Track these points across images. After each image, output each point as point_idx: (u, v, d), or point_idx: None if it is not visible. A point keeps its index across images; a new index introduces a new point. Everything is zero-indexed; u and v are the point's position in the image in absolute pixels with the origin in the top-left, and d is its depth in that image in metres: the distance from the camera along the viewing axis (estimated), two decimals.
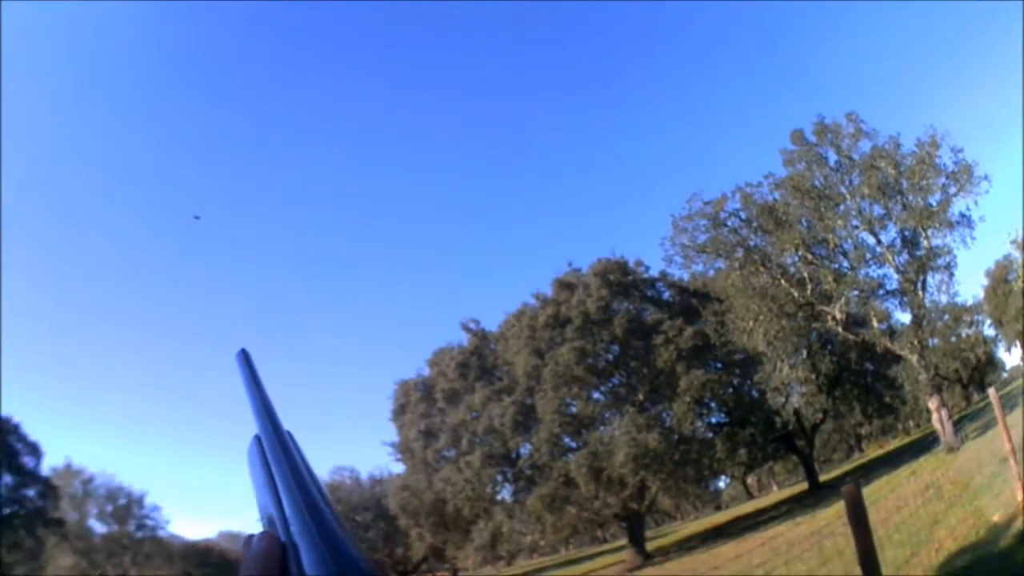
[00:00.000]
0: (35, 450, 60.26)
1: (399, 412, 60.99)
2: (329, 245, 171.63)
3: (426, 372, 60.55)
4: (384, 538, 78.13)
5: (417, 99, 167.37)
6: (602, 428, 49.82)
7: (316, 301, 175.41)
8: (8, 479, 58.64)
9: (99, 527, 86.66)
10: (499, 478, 54.08)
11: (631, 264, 53.03)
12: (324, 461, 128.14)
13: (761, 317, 44.94)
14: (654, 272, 54.40)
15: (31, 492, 60.32)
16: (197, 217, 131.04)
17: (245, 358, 1.83)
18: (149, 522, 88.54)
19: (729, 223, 48.09)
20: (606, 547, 75.48)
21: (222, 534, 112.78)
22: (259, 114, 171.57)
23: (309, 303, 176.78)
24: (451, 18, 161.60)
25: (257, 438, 1.53)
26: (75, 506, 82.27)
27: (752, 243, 47.49)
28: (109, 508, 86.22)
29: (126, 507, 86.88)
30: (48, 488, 61.33)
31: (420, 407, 58.59)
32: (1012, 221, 72.48)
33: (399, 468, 66.62)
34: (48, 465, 65.37)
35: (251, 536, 1.21)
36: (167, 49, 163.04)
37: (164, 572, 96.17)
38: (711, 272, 50.37)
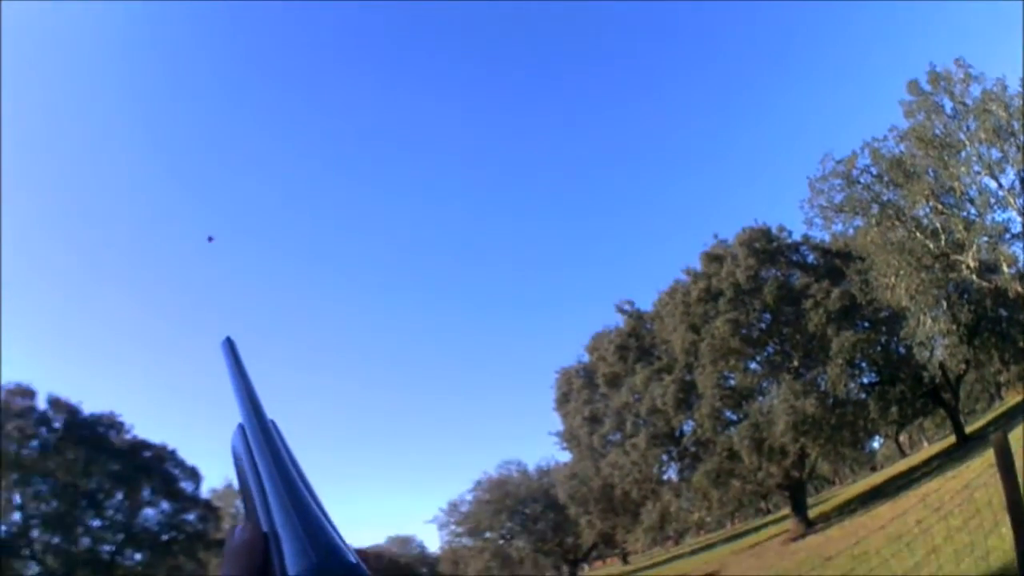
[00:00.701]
0: (194, 474, 61.66)
1: (562, 400, 61.37)
2: (486, 241, 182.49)
3: (586, 358, 60.67)
4: (553, 528, 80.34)
5: (562, 93, 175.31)
6: (761, 398, 49.11)
7: (476, 298, 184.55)
8: (166, 506, 60.40)
9: None
10: (664, 458, 54.07)
11: (774, 230, 52.58)
12: (491, 457, 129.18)
13: (901, 272, 44.33)
14: (796, 236, 53.93)
15: (191, 516, 61.51)
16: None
17: (230, 346, 1.85)
18: None
19: (862, 180, 47.86)
20: (769, 518, 74.22)
21: (391, 539, 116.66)
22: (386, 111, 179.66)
23: (470, 301, 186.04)
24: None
25: (241, 427, 1.56)
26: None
27: (885, 198, 47.01)
28: None
29: None
30: (208, 510, 62.49)
31: (583, 394, 58.67)
32: None
33: (566, 457, 67.22)
34: (208, 487, 66.88)
35: (234, 527, 1.25)
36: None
37: None
38: (850, 231, 49.89)
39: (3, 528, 56.45)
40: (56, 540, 56.95)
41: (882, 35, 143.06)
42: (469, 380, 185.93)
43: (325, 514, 1.18)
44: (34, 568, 58.36)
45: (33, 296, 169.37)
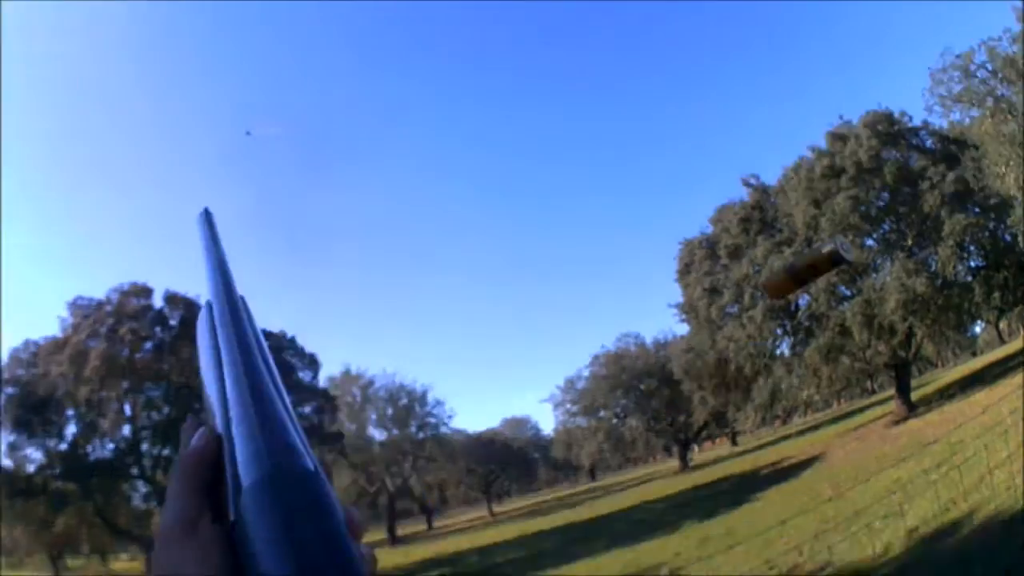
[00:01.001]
0: (313, 362, 61.38)
1: (684, 272, 60.74)
2: (621, 116, 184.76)
3: (709, 230, 60.50)
4: (667, 404, 79.36)
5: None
6: (874, 275, 50.12)
7: (600, 170, 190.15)
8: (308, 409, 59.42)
9: (378, 435, 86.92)
10: (779, 331, 54.29)
11: (896, 115, 52.75)
12: (610, 329, 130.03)
13: (1011, 162, 44.39)
14: (917, 122, 53.86)
15: (308, 408, 60.59)
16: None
17: (207, 218, 1.67)
18: (431, 420, 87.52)
19: (978, 75, 47.92)
20: (874, 399, 73.64)
21: (505, 421, 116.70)
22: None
23: (594, 172, 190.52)
24: None
25: (208, 306, 1.37)
26: (353, 416, 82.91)
27: (1000, 93, 46.94)
28: (389, 411, 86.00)
29: (407, 407, 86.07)
30: (326, 401, 62.17)
31: (704, 265, 58.34)
32: None
33: (683, 330, 66.23)
34: (325, 375, 67.00)
35: (189, 426, 1.13)
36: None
37: (445, 473, 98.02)
38: (967, 120, 49.82)
39: (110, 445, 56.97)
40: (167, 452, 56.15)
41: None
42: (591, 252, 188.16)
43: (287, 408, 1.09)
44: (143, 488, 58.66)
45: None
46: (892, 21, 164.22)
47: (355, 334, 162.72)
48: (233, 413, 1.05)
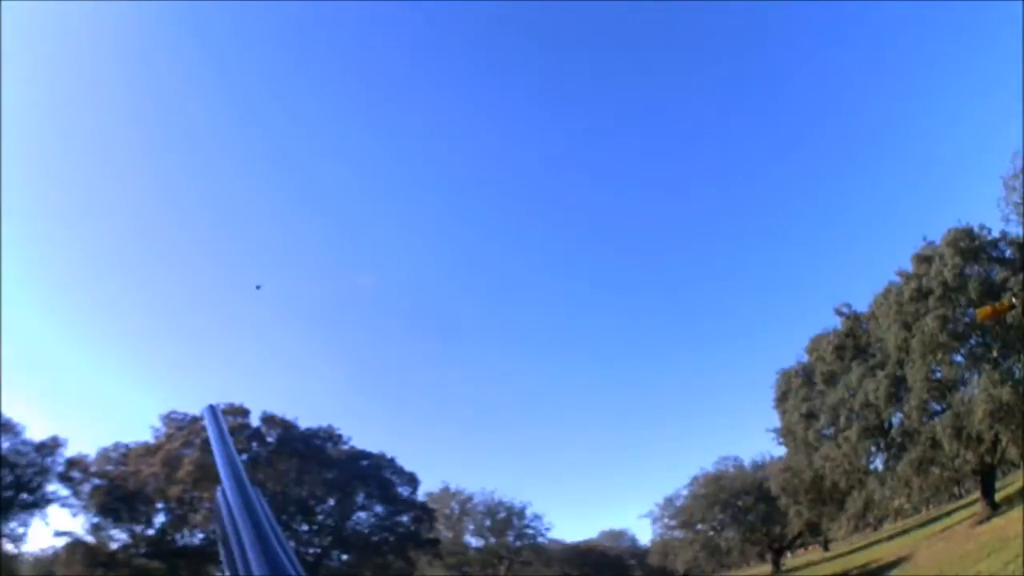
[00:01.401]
0: (412, 479, 62.26)
1: (781, 399, 63.33)
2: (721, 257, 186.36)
3: (805, 359, 62.54)
4: (762, 519, 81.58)
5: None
6: (962, 388, 50.46)
7: (702, 309, 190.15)
8: (380, 509, 60.62)
9: (475, 542, 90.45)
10: (873, 449, 55.18)
11: (975, 229, 52.60)
12: (709, 454, 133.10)
13: None
14: (995, 233, 53.55)
15: (404, 518, 62.12)
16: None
17: (212, 413, 2.13)
18: (529, 531, 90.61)
19: None
20: (961, 502, 74.17)
21: (603, 533, 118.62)
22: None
23: (699, 312, 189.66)
24: None
25: (222, 490, 1.88)
26: (450, 526, 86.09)
27: None
28: (487, 523, 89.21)
29: (505, 520, 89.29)
30: (423, 512, 62.82)
31: (801, 392, 60.40)
32: None
33: (780, 452, 69.85)
34: (424, 491, 67.77)
35: None
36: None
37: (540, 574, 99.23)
38: None
39: (200, 535, 58.95)
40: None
41: None
42: (691, 385, 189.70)
43: (294, 564, 1.73)
44: (228, 572, 61.02)
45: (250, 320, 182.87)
46: (965, 133, 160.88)
47: (465, 456, 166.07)
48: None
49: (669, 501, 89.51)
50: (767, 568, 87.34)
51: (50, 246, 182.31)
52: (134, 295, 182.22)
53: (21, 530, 56.23)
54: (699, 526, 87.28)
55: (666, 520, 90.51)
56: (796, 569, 79.12)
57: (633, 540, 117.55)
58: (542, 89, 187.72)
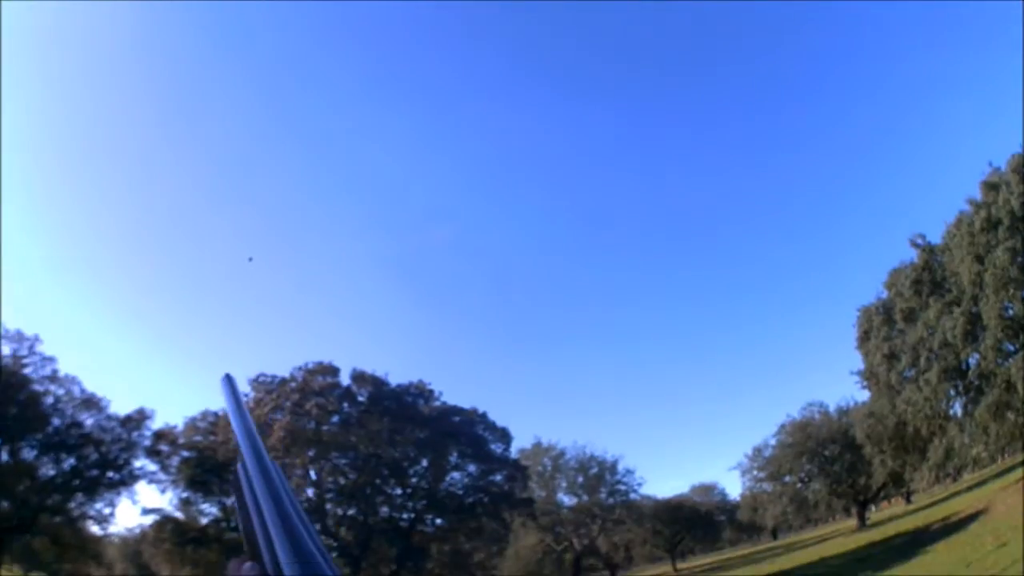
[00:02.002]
0: (504, 435, 60.57)
1: (863, 339, 60.18)
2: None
3: (884, 295, 59.53)
4: (848, 469, 79.89)
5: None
6: None
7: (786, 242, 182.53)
8: (473, 468, 59.23)
9: (568, 500, 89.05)
10: (951, 392, 52.60)
11: None
12: (795, 400, 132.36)
13: None
14: None
15: (498, 477, 60.55)
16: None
17: (229, 383, 1.99)
18: (621, 487, 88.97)
19: None
20: None
21: (694, 487, 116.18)
22: None
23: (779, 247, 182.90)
24: None
25: (243, 465, 1.78)
26: (544, 484, 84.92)
27: None
28: (580, 480, 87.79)
29: (598, 476, 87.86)
30: (516, 470, 61.29)
31: (882, 331, 57.63)
32: None
33: (865, 396, 66.66)
34: (517, 447, 66.43)
35: (236, 562, 1.45)
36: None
37: (632, 533, 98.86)
38: None
39: None
40: (352, 512, 57.96)
41: None
42: (777, 324, 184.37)
43: (323, 553, 1.56)
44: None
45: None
46: None
47: (554, 409, 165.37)
48: (279, 552, 1.47)
49: (757, 451, 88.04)
50: (853, 522, 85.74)
51: (122, 210, 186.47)
52: (215, 258, 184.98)
53: (107, 510, 55.11)
54: (787, 478, 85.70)
55: (755, 472, 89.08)
56: (880, 523, 76.20)
57: (723, 494, 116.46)
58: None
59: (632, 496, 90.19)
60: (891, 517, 79.04)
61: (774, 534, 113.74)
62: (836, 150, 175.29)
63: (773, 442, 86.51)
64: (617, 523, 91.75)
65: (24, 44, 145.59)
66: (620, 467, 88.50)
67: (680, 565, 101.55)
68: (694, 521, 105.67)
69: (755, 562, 74.84)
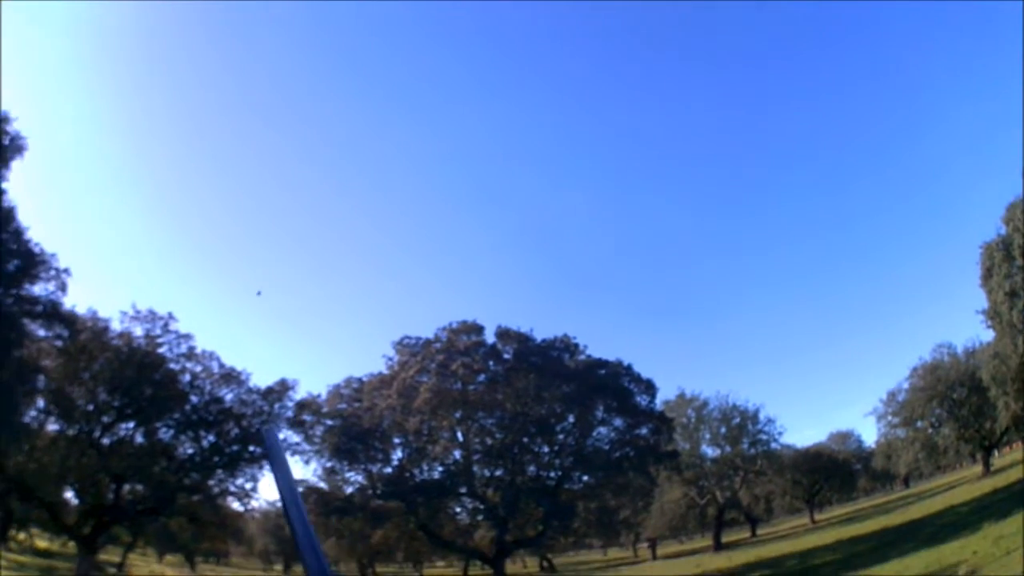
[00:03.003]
0: (649, 387, 59.14)
1: (986, 276, 57.06)
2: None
3: (1003, 230, 56.26)
4: (974, 413, 78.93)
5: None
6: None
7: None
8: (619, 422, 58.09)
9: (711, 451, 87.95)
10: None
11: None
12: (923, 342, 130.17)
13: None
14: None
15: (643, 430, 59.18)
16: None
17: (271, 436, 3.11)
18: (762, 437, 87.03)
19: None
20: None
21: (832, 435, 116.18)
22: None
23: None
24: None
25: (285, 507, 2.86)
26: (687, 436, 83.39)
27: None
28: (723, 430, 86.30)
29: (740, 426, 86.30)
30: (661, 423, 59.98)
31: (1003, 268, 54.66)
32: None
33: (991, 336, 62.70)
34: (661, 399, 65.23)
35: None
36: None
37: (772, 484, 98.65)
38: None
39: (439, 468, 57.61)
40: (499, 472, 57.34)
41: None
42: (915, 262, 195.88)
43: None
44: (469, 504, 60.76)
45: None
46: None
47: (695, 360, 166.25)
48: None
49: (891, 396, 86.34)
50: (978, 469, 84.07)
51: (258, 183, 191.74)
52: (361, 227, 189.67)
53: (249, 485, 54.53)
54: (919, 423, 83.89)
55: (889, 418, 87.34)
56: (1004, 468, 73.90)
57: (859, 441, 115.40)
58: None
59: (773, 446, 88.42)
60: (1012, 463, 76.82)
61: (906, 482, 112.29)
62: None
63: (906, 386, 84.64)
64: (758, 474, 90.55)
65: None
66: (761, 416, 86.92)
67: (817, 516, 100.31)
68: (831, 471, 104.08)
69: (887, 512, 72.64)
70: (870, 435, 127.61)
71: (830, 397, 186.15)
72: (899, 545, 41.46)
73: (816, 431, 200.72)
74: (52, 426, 51.23)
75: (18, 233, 37.70)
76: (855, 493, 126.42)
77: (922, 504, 68.23)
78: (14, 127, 36.32)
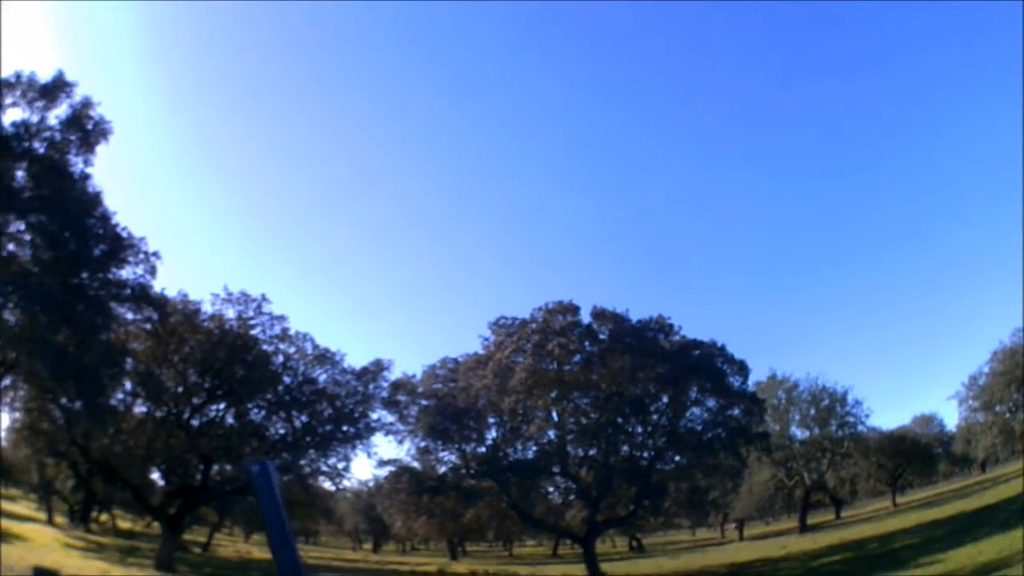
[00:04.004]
0: (742, 368, 58.66)
1: None
2: None
3: None
4: None
5: None
6: None
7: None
8: (712, 402, 57.90)
9: (800, 433, 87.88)
10: None
11: None
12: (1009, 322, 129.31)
13: None
14: None
15: (735, 411, 58.91)
16: None
17: (265, 472, 6.07)
18: (850, 419, 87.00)
19: None
20: None
21: (916, 418, 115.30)
22: None
23: None
24: None
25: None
26: (777, 417, 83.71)
27: None
28: (812, 412, 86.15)
29: (828, 408, 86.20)
30: (753, 404, 59.59)
31: None
32: None
33: None
34: (752, 380, 64.56)
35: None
36: None
37: (858, 467, 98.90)
38: None
39: (533, 448, 57.75)
40: (592, 452, 57.33)
41: None
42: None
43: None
44: (562, 484, 60.97)
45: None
46: None
47: (787, 340, 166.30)
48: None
49: (973, 380, 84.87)
50: None
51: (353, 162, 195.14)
52: (461, 210, 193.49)
53: (341, 465, 55.21)
54: (997, 407, 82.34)
55: (969, 402, 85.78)
56: None
57: (941, 425, 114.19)
58: None
59: (859, 428, 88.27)
60: None
61: (983, 467, 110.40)
62: None
63: (987, 370, 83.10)
64: (845, 456, 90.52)
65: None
66: (849, 398, 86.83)
67: (899, 500, 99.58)
68: (914, 454, 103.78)
69: (964, 496, 72.91)
70: (952, 419, 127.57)
71: (915, 380, 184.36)
72: (974, 530, 41.67)
73: (900, 414, 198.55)
74: (139, 408, 52.03)
75: (105, 218, 38.08)
76: (935, 477, 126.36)
77: (997, 489, 68.26)
78: (98, 111, 36.68)
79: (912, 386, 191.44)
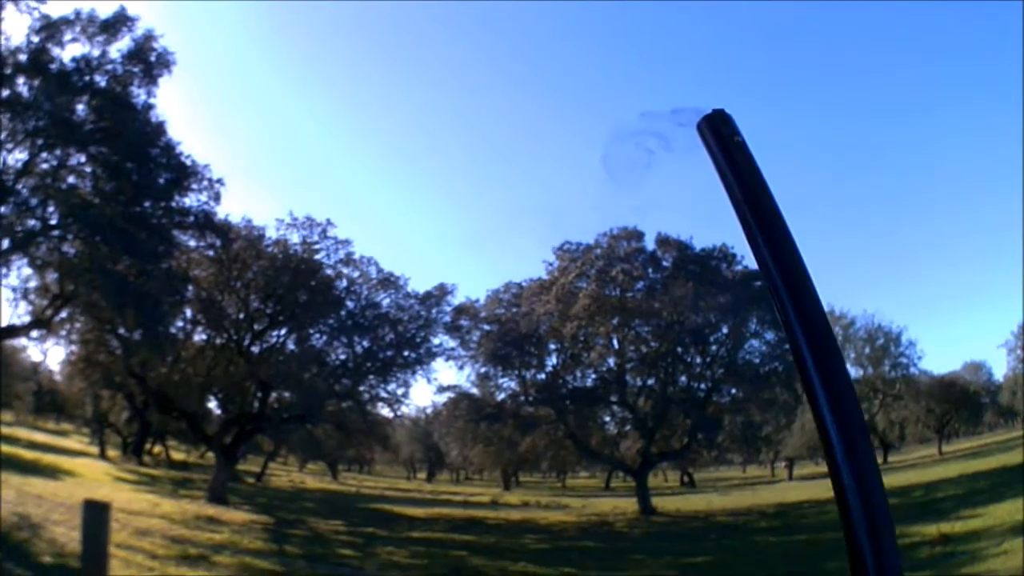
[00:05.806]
0: None
1: None
2: None
3: None
4: None
5: None
6: None
7: None
8: (770, 335, 57.31)
9: (854, 372, 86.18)
10: None
11: None
12: None
13: None
14: None
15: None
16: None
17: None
18: (903, 360, 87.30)
19: None
20: None
21: (966, 365, 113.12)
22: None
23: None
24: None
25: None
26: None
27: None
28: (867, 351, 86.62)
29: (883, 347, 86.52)
30: None
31: None
32: None
33: None
34: None
35: None
36: None
37: (908, 411, 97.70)
38: None
39: (592, 376, 58.35)
40: (650, 382, 57.71)
41: None
42: None
43: None
44: (619, 414, 61.38)
45: None
46: None
47: (847, 277, 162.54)
48: None
49: (1023, 328, 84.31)
50: None
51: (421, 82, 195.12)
52: (528, 133, 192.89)
53: (400, 391, 55.59)
54: None
55: (1019, 351, 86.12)
56: None
57: (989, 373, 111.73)
58: None
59: (912, 370, 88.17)
60: None
61: None
62: None
63: None
64: (896, 398, 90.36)
65: None
66: (904, 339, 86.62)
67: (944, 448, 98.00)
68: (962, 401, 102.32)
69: (1008, 449, 71.72)
70: (1001, 369, 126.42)
71: (968, 325, 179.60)
72: (1015, 485, 40.69)
73: (951, 359, 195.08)
74: (199, 336, 53.00)
75: (168, 147, 38.69)
76: (980, 427, 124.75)
77: None
78: (160, 43, 37.42)
79: (964, 331, 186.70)
